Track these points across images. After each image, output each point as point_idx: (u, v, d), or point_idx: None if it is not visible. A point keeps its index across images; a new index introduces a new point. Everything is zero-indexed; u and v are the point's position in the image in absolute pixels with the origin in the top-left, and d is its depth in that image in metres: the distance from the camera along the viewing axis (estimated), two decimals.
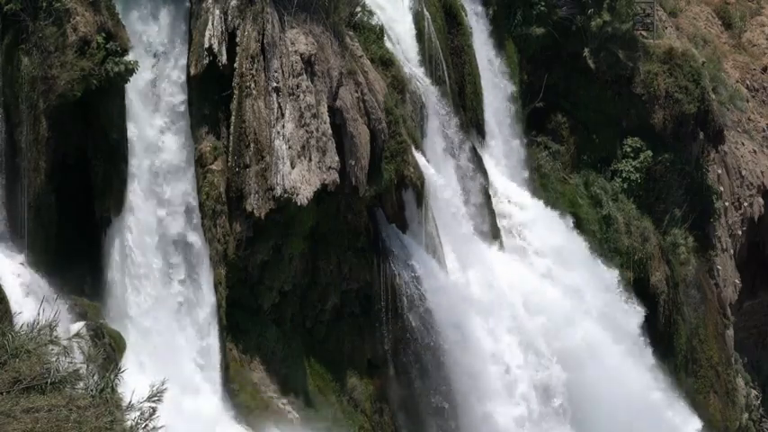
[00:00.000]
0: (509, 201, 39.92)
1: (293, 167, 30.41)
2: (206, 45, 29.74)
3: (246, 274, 31.36)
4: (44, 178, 26.70)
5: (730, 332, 48.11)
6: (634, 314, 41.62)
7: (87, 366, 14.59)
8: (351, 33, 33.45)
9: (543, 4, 41.77)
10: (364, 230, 33.55)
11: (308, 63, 31.13)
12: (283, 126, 30.53)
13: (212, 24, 29.89)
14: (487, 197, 38.23)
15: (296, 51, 30.95)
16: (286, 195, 30.17)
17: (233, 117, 30.24)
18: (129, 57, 27.48)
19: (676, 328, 44.53)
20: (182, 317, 29.56)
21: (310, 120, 30.85)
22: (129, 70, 27.31)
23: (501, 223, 38.88)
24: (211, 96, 30.49)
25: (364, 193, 32.36)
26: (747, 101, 52.34)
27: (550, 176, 42.86)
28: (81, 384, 13.96)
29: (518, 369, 36.06)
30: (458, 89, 38.80)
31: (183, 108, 29.73)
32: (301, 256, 32.41)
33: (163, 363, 28.27)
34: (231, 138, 30.23)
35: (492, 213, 38.39)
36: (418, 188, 34.00)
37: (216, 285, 30.00)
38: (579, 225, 42.20)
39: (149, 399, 13.45)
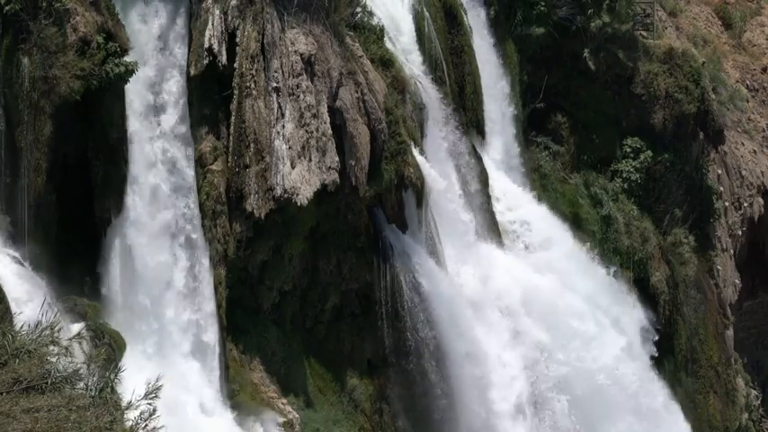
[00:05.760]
0: (509, 201, 39.91)
1: (293, 167, 30.41)
2: (206, 45, 29.74)
3: (246, 274, 31.36)
4: (44, 178, 26.68)
5: (730, 332, 48.08)
6: (633, 309, 41.74)
7: (88, 366, 14.58)
8: (351, 33, 33.44)
9: (543, 4, 41.72)
10: (364, 230, 33.55)
11: (308, 63, 31.13)
12: (283, 126, 30.53)
13: (212, 24, 29.88)
14: (487, 197, 38.21)
15: (296, 51, 30.95)
16: (286, 195, 30.17)
17: (233, 117, 30.23)
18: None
19: (676, 329, 44.51)
20: (181, 316, 29.57)
21: (310, 120, 30.85)
22: (130, 71, 27.32)
23: (500, 223, 38.87)
24: (211, 96, 30.50)
25: (364, 193, 32.36)
26: (747, 101, 52.32)
27: (550, 176, 42.83)
28: (81, 384, 13.97)
29: (518, 368, 36.05)
30: (458, 89, 38.77)
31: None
32: (301, 256, 32.41)
33: (163, 363, 28.31)
34: (231, 138, 30.22)
35: (492, 213, 38.38)
36: (418, 188, 33.99)
37: (216, 285, 30.00)
38: (579, 225, 42.20)
39: (146, 396, 13.47)
